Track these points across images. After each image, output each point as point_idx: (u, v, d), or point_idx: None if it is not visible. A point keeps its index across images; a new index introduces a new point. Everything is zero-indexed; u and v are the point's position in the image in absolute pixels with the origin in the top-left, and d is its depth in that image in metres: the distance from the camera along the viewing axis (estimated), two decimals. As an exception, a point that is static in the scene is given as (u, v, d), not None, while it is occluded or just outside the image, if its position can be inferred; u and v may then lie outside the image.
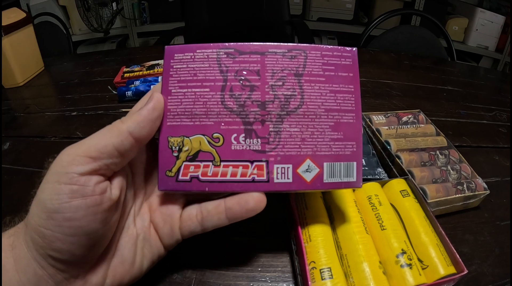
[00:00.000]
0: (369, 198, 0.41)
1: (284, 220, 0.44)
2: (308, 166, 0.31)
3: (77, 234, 0.25)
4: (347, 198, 0.40)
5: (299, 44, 0.31)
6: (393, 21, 2.10)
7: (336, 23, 2.44)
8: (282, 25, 1.60)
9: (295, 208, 0.39)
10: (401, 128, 0.57)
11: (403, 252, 0.34)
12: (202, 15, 1.55)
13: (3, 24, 0.79)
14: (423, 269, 0.34)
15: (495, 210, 0.48)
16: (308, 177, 0.31)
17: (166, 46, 0.31)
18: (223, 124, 0.30)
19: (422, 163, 0.50)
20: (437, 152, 0.52)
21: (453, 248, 0.34)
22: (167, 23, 2.36)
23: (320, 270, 0.33)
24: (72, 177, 0.25)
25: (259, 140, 0.31)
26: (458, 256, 0.34)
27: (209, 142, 0.30)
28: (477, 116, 0.75)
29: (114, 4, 2.07)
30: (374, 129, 0.56)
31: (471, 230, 0.45)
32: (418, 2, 2.25)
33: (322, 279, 0.32)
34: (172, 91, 0.31)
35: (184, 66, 0.31)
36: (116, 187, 0.29)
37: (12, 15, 0.84)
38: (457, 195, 0.45)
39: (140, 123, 0.28)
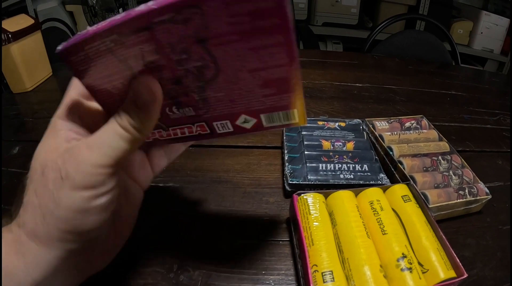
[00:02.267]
0: (371, 203, 0.41)
1: (288, 224, 0.45)
2: (245, 119, 0.30)
3: None
4: (349, 203, 0.41)
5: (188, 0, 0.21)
6: (398, 26, 2.11)
7: (341, 28, 2.44)
8: (287, 30, 1.61)
9: (299, 213, 0.40)
10: (403, 133, 0.57)
11: (404, 256, 0.35)
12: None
13: (12, 30, 0.80)
14: (423, 272, 0.34)
15: (498, 214, 0.49)
16: (248, 126, 0.31)
17: (58, 51, 0.25)
18: None
19: (424, 168, 0.51)
20: (440, 157, 0.52)
21: (453, 252, 0.35)
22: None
23: (322, 273, 0.33)
24: None
25: (190, 108, 0.29)
26: (458, 260, 0.34)
27: None
28: (481, 120, 0.75)
29: (120, 10, 2.09)
30: (377, 135, 0.57)
31: (473, 235, 0.45)
32: (422, 6, 2.26)
33: (324, 282, 0.33)
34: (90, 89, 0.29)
35: (86, 67, 0.26)
36: None
37: (21, 21, 0.85)
38: (458, 200, 0.45)
39: None
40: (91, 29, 0.23)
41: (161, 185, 0.51)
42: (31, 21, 0.88)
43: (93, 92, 0.28)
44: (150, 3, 0.21)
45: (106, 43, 0.24)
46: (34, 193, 0.26)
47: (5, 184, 0.53)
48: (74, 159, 0.25)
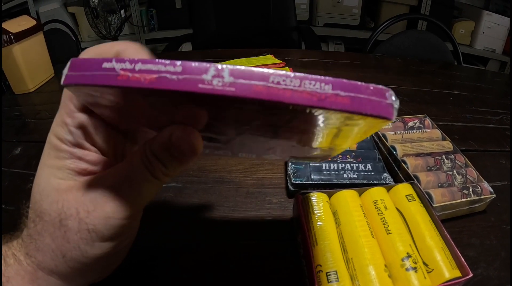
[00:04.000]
0: (375, 202, 0.41)
1: (291, 224, 0.45)
2: (271, 156, 0.30)
3: None
4: (353, 203, 0.40)
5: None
6: (400, 26, 2.10)
7: (342, 29, 2.44)
8: (289, 31, 1.61)
9: (302, 213, 0.40)
10: (407, 133, 0.57)
11: (408, 256, 0.35)
12: (210, 21, 1.57)
13: (14, 31, 0.80)
14: (428, 272, 0.34)
15: (502, 213, 0.48)
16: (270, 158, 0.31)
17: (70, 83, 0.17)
18: None
19: (428, 167, 0.50)
20: (443, 156, 0.52)
21: (458, 251, 0.35)
22: (175, 30, 2.38)
23: (327, 273, 0.33)
24: None
25: (223, 145, 0.27)
26: (463, 259, 0.34)
27: None
28: (483, 120, 0.74)
29: (122, 12, 2.10)
30: (380, 135, 0.57)
31: (477, 234, 0.45)
32: (424, 6, 2.25)
33: (329, 282, 0.33)
34: None
35: (100, 103, 0.20)
36: None
37: (22, 23, 0.85)
38: (462, 200, 0.45)
39: None
40: (123, 72, 0.15)
41: (163, 185, 0.50)
42: (33, 22, 0.89)
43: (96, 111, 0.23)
44: (225, 79, 0.15)
45: (149, 99, 0.18)
46: (50, 238, 0.24)
47: (7, 184, 0.53)
48: (101, 212, 0.23)
